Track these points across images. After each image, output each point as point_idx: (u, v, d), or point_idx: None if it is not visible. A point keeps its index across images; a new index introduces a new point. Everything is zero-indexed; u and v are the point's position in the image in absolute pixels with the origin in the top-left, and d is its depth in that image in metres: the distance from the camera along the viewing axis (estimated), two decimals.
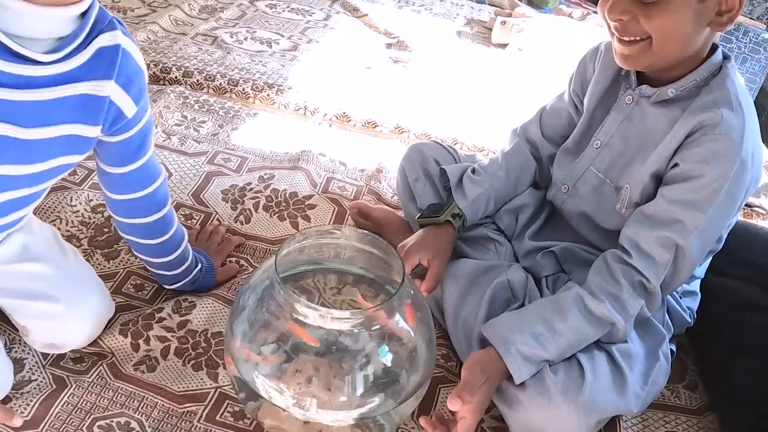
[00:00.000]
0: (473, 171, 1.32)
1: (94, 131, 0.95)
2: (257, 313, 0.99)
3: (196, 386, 1.11)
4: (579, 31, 2.61)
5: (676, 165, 1.06)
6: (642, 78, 1.14)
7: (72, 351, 1.12)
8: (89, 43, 0.89)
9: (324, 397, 0.95)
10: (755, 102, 3.37)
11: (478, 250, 1.30)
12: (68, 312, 1.06)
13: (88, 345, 1.13)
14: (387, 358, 0.98)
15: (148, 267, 1.22)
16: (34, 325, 1.07)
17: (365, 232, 1.08)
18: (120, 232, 1.16)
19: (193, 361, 1.14)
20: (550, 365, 1.04)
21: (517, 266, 1.25)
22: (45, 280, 1.06)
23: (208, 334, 1.19)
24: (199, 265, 1.24)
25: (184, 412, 1.06)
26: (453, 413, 1.01)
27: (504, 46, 2.57)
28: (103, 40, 0.90)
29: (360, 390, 0.96)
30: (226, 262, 1.36)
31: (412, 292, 1.02)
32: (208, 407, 1.07)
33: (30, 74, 0.84)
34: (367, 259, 1.09)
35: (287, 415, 0.97)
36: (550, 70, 2.22)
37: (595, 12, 3.13)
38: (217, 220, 1.48)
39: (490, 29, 2.65)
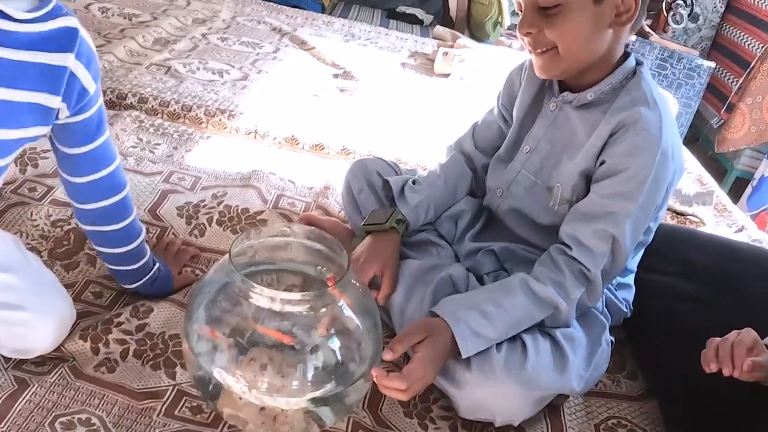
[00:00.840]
0: (414, 182, 1.42)
1: (55, 101, 1.00)
2: (212, 308, 1.06)
3: (155, 384, 1.16)
4: (518, 61, 2.76)
5: (603, 162, 1.16)
6: (564, 86, 1.25)
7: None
8: (54, 18, 0.96)
9: (278, 384, 1.01)
10: (690, 125, 3.58)
11: (420, 254, 1.39)
12: (34, 319, 1.09)
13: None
14: (335, 345, 1.05)
15: (108, 264, 1.26)
16: (3, 334, 1.10)
17: (313, 229, 1.16)
18: (81, 224, 1.20)
19: (151, 362, 1.19)
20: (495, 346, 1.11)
21: (458, 264, 1.34)
22: (9, 290, 1.09)
23: (166, 336, 1.24)
24: (157, 265, 1.30)
25: (143, 408, 1.11)
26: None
27: (446, 75, 2.71)
28: (65, 21, 0.98)
29: (310, 375, 1.03)
30: (182, 271, 1.42)
31: (355, 282, 1.10)
32: (167, 403, 1.13)
33: (7, 29, 0.91)
34: (315, 256, 1.17)
35: (244, 403, 1.04)
36: (491, 97, 2.35)
37: None
38: (173, 233, 1.54)
39: (433, 61, 2.78)
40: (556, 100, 1.26)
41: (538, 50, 1.15)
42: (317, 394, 1.03)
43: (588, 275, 1.15)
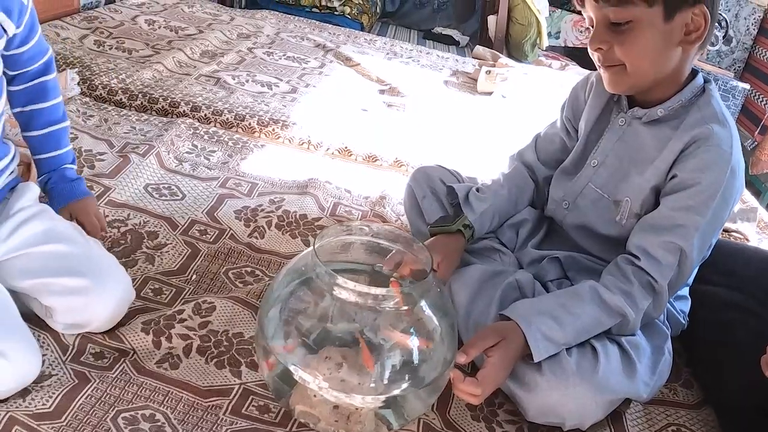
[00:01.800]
0: (477, 189, 1.40)
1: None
2: (290, 304, 1.03)
3: (221, 382, 1.12)
4: (559, 80, 2.76)
5: (674, 176, 1.16)
6: (632, 102, 1.25)
7: (92, 345, 1.14)
8: None
9: (354, 381, 0.98)
10: None
11: (483, 260, 1.37)
12: (92, 286, 1.10)
13: (109, 339, 1.15)
14: (413, 345, 1.02)
15: (33, 155, 1.32)
16: (59, 303, 1.10)
17: (393, 228, 1.13)
18: (13, 108, 1.28)
19: (215, 360, 1.16)
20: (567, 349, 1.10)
21: (524, 270, 1.32)
22: (69, 258, 1.11)
23: (230, 334, 1.21)
24: (74, 165, 1.35)
25: (209, 405, 1.07)
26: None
27: (489, 93, 2.70)
28: None
29: (387, 374, 0.99)
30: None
31: (435, 283, 1.07)
32: (234, 401, 1.09)
33: None
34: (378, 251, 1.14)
35: (318, 400, 1.00)
36: (532, 115, 2.35)
37: (573, 64, 3.31)
38: (231, 236, 1.52)
39: (475, 79, 2.78)
40: (625, 115, 1.26)
41: (608, 65, 1.16)
42: (393, 393, 1.00)
43: (655, 286, 1.15)
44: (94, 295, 1.11)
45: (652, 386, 1.16)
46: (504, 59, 3.03)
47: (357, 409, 1.00)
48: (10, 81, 1.23)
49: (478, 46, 3.32)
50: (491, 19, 3.67)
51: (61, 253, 1.13)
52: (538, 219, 1.44)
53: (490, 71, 2.71)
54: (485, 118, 2.46)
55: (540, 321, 1.09)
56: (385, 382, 0.99)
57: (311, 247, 1.01)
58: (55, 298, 1.10)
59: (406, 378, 1.00)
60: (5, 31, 1.10)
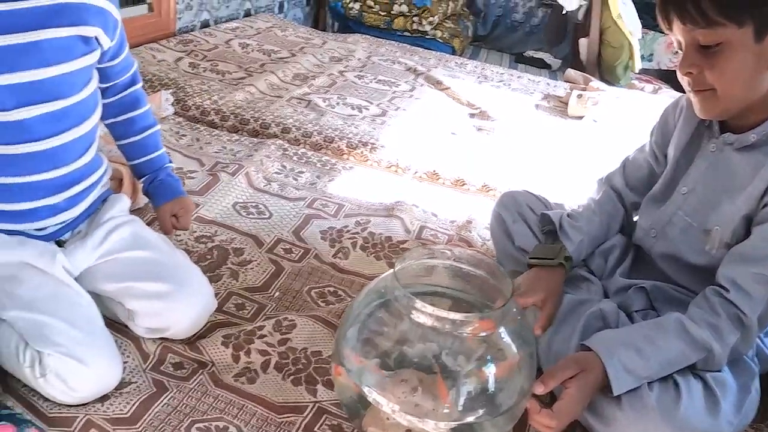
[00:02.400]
0: (569, 216, 1.36)
1: (92, 31, 1.11)
2: (367, 325, 1.02)
3: (295, 399, 1.12)
4: (652, 104, 2.65)
5: (766, 205, 1.09)
6: (724, 127, 1.18)
7: (172, 354, 1.16)
8: None
9: (428, 406, 0.95)
10: None
11: (570, 288, 1.32)
12: (174, 291, 1.14)
13: (189, 350, 1.17)
14: (490, 372, 0.99)
15: (128, 161, 1.37)
16: (141, 307, 1.14)
17: (475, 253, 1.10)
18: (104, 120, 1.30)
19: (292, 377, 1.16)
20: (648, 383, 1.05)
21: (608, 300, 1.27)
22: (153, 264, 1.17)
23: (308, 352, 1.21)
24: (170, 166, 1.39)
25: (282, 421, 1.07)
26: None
27: (580, 118, 2.63)
28: None
29: (462, 401, 0.96)
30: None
31: (515, 310, 1.03)
32: (307, 419, 1.08)
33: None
34: (476, 282, 1.11)
35: (391, 423, 0.98)
36: (624, 139, 2.25)
37: (667, 87, 3.19)
38: (316, 256, 1.53)
39: (566, 103, 2.72)
40: (717, 141, 1.19)
41: (698, 89, 1.11)
42: (467, 420, 0.96)
43: (744, 320, 1.08)
44: (175, 301, 1.15)
45: (736, 426, 1.08)
46: (596, 83, 2.95)
47: None
48: (102, 94, 1.27)
49: (569, 69, 3.25)
50: (583, 42, 3.60)
51: (146, 259, 1.18)
52: (626, 246, 1.38)
53: (581, 95, 2.64)
54: (575, 143, 2.39)
55: (622, 353, 1.04)
56: (460, 408, 0.96)
57: (392, 269, 0.99)
58: (138, 301, 1.14)
59: (481, 405, 0.97)
60: (101, 45, 1.15)
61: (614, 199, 1.39)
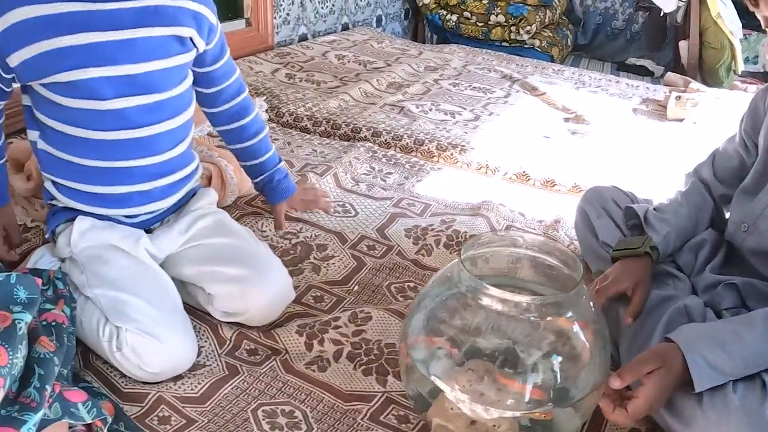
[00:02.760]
0: (656, 209, 1.30)
1: (187, 32, 1.18)
2: (435, 315, 1.00)
3: (364, 388, 1.11)
4: None
5: None
6: None
7: (248, 341, 1.18)
8: None
9: (493, 396, 0.92)
10: None
11: (656, 285, 1.24)
12: (252, 276, 1.18)
13: (264, 337, 1.19)
14: (558, 363, 0.94)
15: (240, 162, 1.46)
16: (220, 290, 1.18)
17: (547, 240, 1.06)
18: (215, 126, 1.42)
19: (363, 367, 1.16)
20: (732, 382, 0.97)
21: (695, 296, 1.19)
22: (234, 250, 1.22)
23: (382, 344, 1.20)
24: (280, 164, 1.47)
25: (348, 409, 1.07)
26: None
27: (680, 120, 2.51)
28: None
29: (528, 391, 0.92)
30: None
31: (586, 298, 0.98)
32: (374, 408, 1.07)
33: None
34: (546, 272, 1.07)
35: (455, 414, 0.95)
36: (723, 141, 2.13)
37: None
38: (399, 253, 1.52)
39: (665, 107, 2.60)
40: None
41: None
42: (533, 412, 0.93)
43: None
44: (252, 285, 1.18)
45: None
46: (695, 84, 2.81)
47: (494, 426, 0.93)
48: (211, 102, 1.36)
49: (669, 72, 3.12)
50: (683, 45, 3.44)
51: (228, 245, 1.23)
52: (717, 241, 1.29)
53: (680, 97, 2.52)
54: (672, 145, 2.27)
55: (705, 347, 0.97)
56: (526, 400, 0.92)
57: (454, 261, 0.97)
58: (218, 285, 1.19)
59: (549, 397, 0.93)
60: (196, 46, 1.21)
61: (702, 191, 1.31)
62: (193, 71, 1.27)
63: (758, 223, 1.17)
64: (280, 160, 1.48)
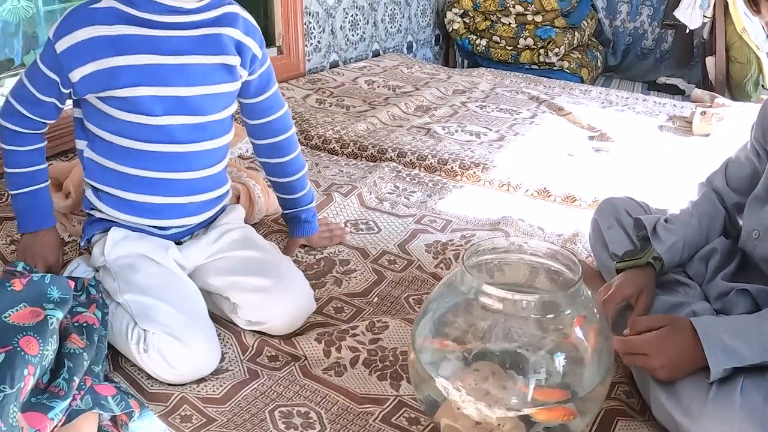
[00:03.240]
0: (666, 221, 1.31)
1: (234, 60, 1.27)
2: (441, 318, 1.04)
3: (378, 392, 1.16)
4: None
5: None
6: None
7: (269, 348, 1.24)
8: (218, 7, 1.26)
9: (497, 395, 0.96)
10: None
11: (666, 292, 1.26)
12: (275, 287, 1.25)
13: (284, 344, 1.25)
14: (560, 364, 0.98)
15: (276, 193, 1.54)
16: (244, 300, 1.25)
17: (551, 245, 1.10)
18: (257, 157, 1.51)
19: (378, 372, 1.20)
20: (747, 372, 0.98)
21: (705, 303, 1.21)
22: (259, 262, 1.29)
23: (397, 351, 1.25)
24: (313, 203, 1.55)
25: (361, 411, 1.12)
26: None
27: (706, 135, 2.51)
28: (227, 8, 1.28)
29: (531, 389, 0.96)
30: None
31: (587, 298, 1.01)
32: (386, 410, 1.12)
33: (185, 20, 1.22)
34: (549, 276, 1.11)
35: (461, 414, 0.99)
36: None
37: None
38: (419, 267, 1.57)
39: (691, 123, 2.60)
40: None
41: None
42: (533, 410, 0.96)
43: None
44: (275, 295, 1.25)
45: None
46: (720, 99, 2.81)
47: (498, 425, 0.97)
48: (255, 134, 1.45)
49: (696, 89, 3.12)
50: (709, 61, 3.44)
51: (253, 258, 1.30)
52: (729, 249, 1.30)
53: (705, 112, 2.52)
54: (696, 159, 2.27)
55: (722, 329, 1.00)
56: (530, 399, 0.96)
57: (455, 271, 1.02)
58: (242, 294, 1.26)
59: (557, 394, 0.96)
60: (240, 76, 1.31)
61: (714, 201, 1.32)
62: (239, 101, 1.36)
63: None
64: (312, 200, 1.55)
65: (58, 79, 1.20)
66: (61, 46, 1.16)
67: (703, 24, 3.38)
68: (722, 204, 1.32)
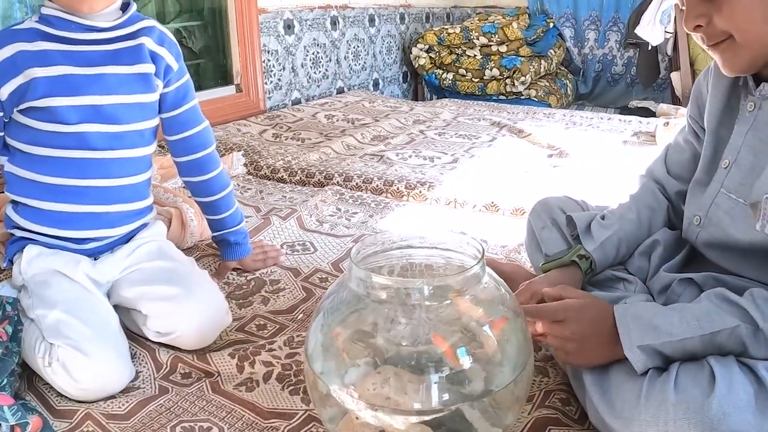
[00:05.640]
0: (603, 218, 1.24)
1: (149, 68, 1.28)
2: (331, 321, 0.96)
3: (287, 407, 1.09)
4: None
5: None
6: (759, 80, 1.03)
7: (183, 365, 1.18)
8: (134, 23, 1.28)
9: (399, 400, 0.88)
10: None
11: (604, 289, 1.19)
12: (183, 295, 1.22)
13: (197, 360, 1.18)
14: (465, 361, 0.90)
15: (205, 215, 1.51)
16: (153, 308, 1.22)
17: (451, 234, 1.04)
18: (180, 176, 1.46)
19: (291, 387, 1.13)
20: (682, 364, 0.90)
21: (643, 295, 1.12)
22: (170, 272, 1.27)
23: None
24: (242, 224, 1.52)
25: (267, 426, 1.04)
26: None
27: None
28: (143, 23, 1.30)
29: (435, 392, 0.87)
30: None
31: (489, 279, 0.95)
32: (293, 425, 1.04)
33: (102, 37, 1.24)
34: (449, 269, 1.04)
35: (360, 423, 0.91)
36: None
37: None
38: None
39: (655, 136, 2.58)
40: (754, 97, 1.04)
41: (713, 43, 0.99)
42: (438, 415, 0.87)
43: None
44: (183, 303, 1.21)
45: None
46: (683, 110, 2.79)
47: None
48: (174, 150, 1.43)
49: (661, 104, 3.10)
50: (674, 76, 3.43)
51: (165, 268, 1.28)
52: (674, 241, 1.22)
53: (668, 122, 2.50)
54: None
55: (641, 306, 0.96)
56: (435, 400, 0.87)
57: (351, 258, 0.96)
58: (150, 303, 1.22)
59: (460, 393, 0.88)
60: (157, 87, 1.31)
61: (655, 191, 1.25)
62: (160, 118, 1.36)
63: (710, 213, 1.09)
64: (241, 221, 1.52)
65: None
66: None
67: (666, 40, 3.38)
68: (664, 194, 1.25)
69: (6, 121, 1.24)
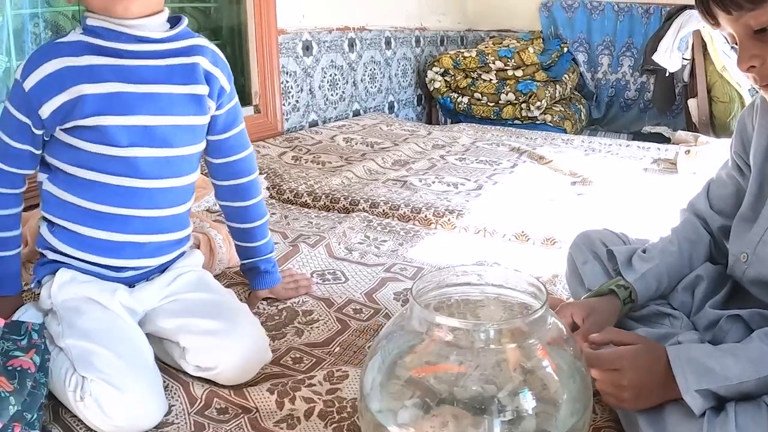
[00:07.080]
0: (644, 251, 1.23)
1: (203, 89, 1.23)
2: (389, 360, 0.94)
3: None
4: None
5: None
6: None
7: (218, 399, 1.14)
8: (185, 38, 1.23)
9: None
10: None
11: (649, 325, 1.17)
12: (226, 330, 1.18)
13: (235, 395, 1.14)
14: (528, 404, 0.87)
15: (235, 240, 1.47)
16: (193, 342, 1.17)
17: (510, 270, 1.02)
18: (217, 200, 1.44)
19: (335, 424, 1.09)
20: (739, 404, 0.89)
21: (693, 332, 1.11)
22: (211, 305, 1.22)
23: (356, 402, 1.14)
24: (273, 253, 1.49)
25: None
26: None
27: (693, 174, 2.47)
28: (194, 40, 1.25)
29: None
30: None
31: (554, 322, 0.92)
32: None
33: (153, 48, 1.18)
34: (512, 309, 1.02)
35: None
36: None
37: None
38: (386, 315, 1.48)
39: (675, 163, 2.56)
40: None
41: (766, 84, 0.98)
42: None
43: None
44: (226, 339, 1.17)
45: None
46: (703, 138, 2.78)
47: None
48: (217, 173, 1.38)
49: (679, 131, 3.09)
50: (692, 103, 3.43)
51: (205, 300, 1.24)
52: (718, 276, 1.20)
53: (689, 150, 2.49)
54: (683, 193, 2.22)
55: (694, 349, 0.94)
56: None
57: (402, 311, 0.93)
58: (191, 337, 1.18)
59: None
60: (209, 109, 1.27)
61: (696, 225, 1.24)
62: (207, 139, 1.32)
63: (758, 250, 1.08)
64: (272, 250, 1.49)
65: (29, 121, 1.15)
66: (29, 83, 1.13)
67: (683, 66, 3.38)
68: (706, 228, 1.24)
69: (47, 139, 1.19)
